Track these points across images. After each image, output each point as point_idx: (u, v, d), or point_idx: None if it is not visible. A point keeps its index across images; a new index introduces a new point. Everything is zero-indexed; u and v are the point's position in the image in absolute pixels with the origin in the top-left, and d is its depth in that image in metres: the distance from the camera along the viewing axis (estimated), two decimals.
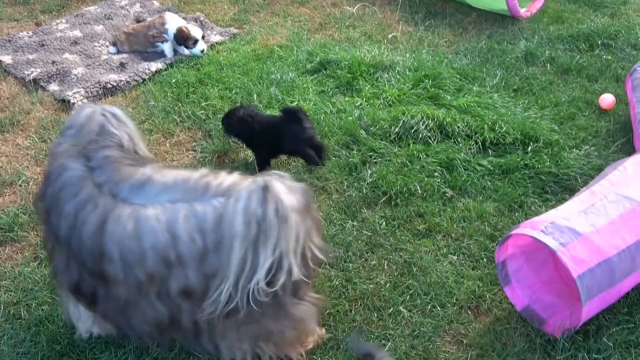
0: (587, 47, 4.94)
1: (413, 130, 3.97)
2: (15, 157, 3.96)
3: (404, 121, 4.01)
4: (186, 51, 4.94)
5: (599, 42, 4.96)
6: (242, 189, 2.27)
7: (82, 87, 4.48)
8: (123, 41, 5.05)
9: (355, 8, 5.59)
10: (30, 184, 3.72)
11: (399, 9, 5.57)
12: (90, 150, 2.53)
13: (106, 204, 2.37)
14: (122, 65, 4.83)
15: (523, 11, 5.39)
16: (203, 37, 4.97)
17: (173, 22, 4.95)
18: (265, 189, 2.25)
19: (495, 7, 5.40)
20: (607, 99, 4.28)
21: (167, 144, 4.08)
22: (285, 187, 2.30)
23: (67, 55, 4.95)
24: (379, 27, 5.36)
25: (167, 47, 4.95)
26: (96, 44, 5.14)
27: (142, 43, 5.02)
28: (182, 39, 4.89)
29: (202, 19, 5.39)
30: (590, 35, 5.03)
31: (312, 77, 4.63)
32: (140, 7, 5.68)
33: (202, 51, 4.94)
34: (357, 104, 4.32)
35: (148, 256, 2.32)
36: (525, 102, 4.32)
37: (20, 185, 3.71)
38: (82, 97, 4.41)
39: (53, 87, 4.59)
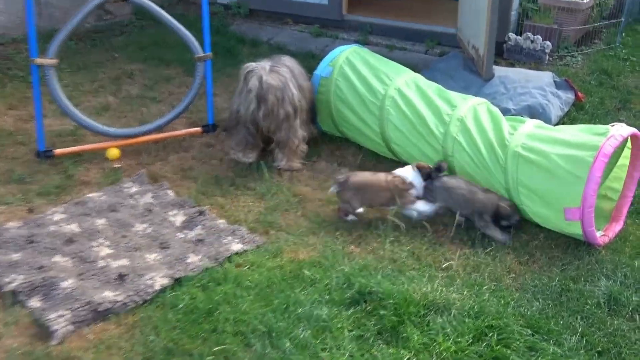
0: None
1: None
2: None
3: None
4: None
5: None
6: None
7: (69, 309, 3.90)
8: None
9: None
10: None
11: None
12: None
13: None
14: (121, 277, 4.26)
15: (599, 235, 4.83)
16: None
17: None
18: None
19: (566, 231, 4.84)
20: None
21: None
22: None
23: (58, 258, 4.42)
24: (429, 245, 4.77)
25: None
26: (94, 243, 4.61)
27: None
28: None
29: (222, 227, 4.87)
30: None
31: (348, 313, 4.02)
32: (152, 197, 5.20)
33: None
34: None
35: None
36: None
37: None
38: (66, 323, 3.82)
39: (34, 302, 4.02)
